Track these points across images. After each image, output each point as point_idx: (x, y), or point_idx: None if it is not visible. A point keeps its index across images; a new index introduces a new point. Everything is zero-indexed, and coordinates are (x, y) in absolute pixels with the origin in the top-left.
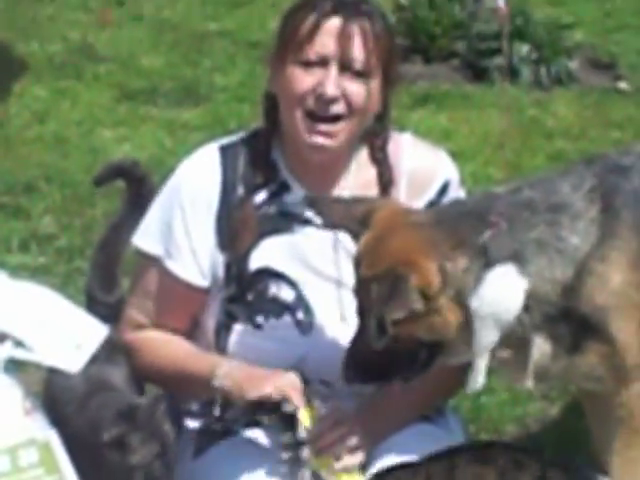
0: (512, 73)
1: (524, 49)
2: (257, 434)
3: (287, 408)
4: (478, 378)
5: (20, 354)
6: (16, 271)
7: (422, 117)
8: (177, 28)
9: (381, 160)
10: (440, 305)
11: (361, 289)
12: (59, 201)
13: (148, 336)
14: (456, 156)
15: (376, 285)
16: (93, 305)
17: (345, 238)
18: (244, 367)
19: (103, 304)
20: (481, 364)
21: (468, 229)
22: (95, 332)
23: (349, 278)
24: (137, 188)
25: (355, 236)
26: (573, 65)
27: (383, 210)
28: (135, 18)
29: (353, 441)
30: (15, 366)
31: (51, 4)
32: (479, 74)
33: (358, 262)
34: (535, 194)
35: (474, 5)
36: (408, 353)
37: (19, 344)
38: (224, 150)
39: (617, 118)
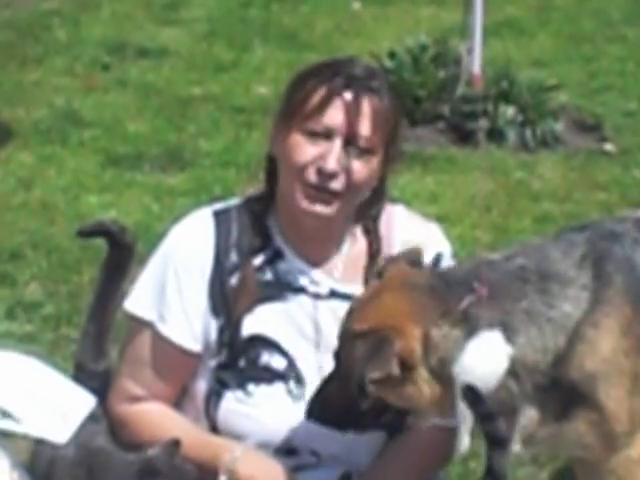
0: (497, 136)
1: (509, 111)
2: None
3: None
4: (463, 442)
5: (7, 425)
6: (2, 339)
7: (408, 181)
8: (162, 93)
9: (372, 231)
10: (417, 376)
11: (346, 340)
12: (45, 268)
13: (145, 410)
14: (442, 219)
15: (361, 342)
16: (81, 374)
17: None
18: (248, 462)
19: (91, 373)
20: (465, 429)
21: (457, 297)
22: (82, 402)
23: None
24: (119, 253)
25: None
26: (558, 127)
27: (392, 269)
28: (120, 83)
29: None
30: (2, 437)
31: (37, 69)
32: (464, 137)
33: (350, 312)
34: (527, 262)
35: (458, 68)
36: (375, 411)
37: (6, 415)
38: (218, 215)
39: (603, 180)
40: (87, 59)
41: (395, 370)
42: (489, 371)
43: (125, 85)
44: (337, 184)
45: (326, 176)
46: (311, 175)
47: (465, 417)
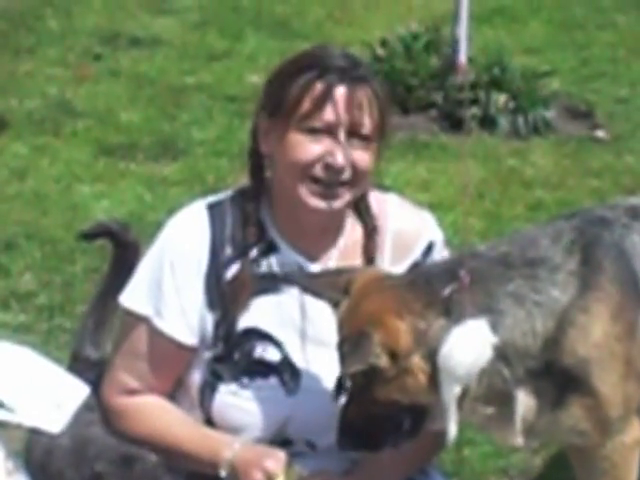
0: (489, 123)
1: (501, 99)
2: None
3: None
4: (450, 430)
5: (1, 415)
6: None
7: (401, 169)
8: (154, 82)
9: (364, 210)
10: (411, 365)
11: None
12: (39, 258)
13: (140, 403)
14: (435, 207)
15: (344, 345)
16: (77, 365)
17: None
18: (244, 454)
19: (87, 363)
20: (450, 416)
21: (440, 287)
22: (76, 391)
23: (330, 339)
24: (124, 252)
25: (335, 305)
26: (550, 114)
27: (362, 277)
28: (112, 73)
29: None
30: None
31: (29, 60)
32: (457, 124)
33: (339, 328)
34: (511, 249)
35: (450, 56)
36: (392, 419)
37: (0, 405)
38: (212, 209)
39: (595, 167)
40: (79, 49)
41: (382, 361)
42: (471, 360)
43: (118, 75)
44: (345, 175)
45: (335, 171)
46: (318, 171)
47: (448, 406)
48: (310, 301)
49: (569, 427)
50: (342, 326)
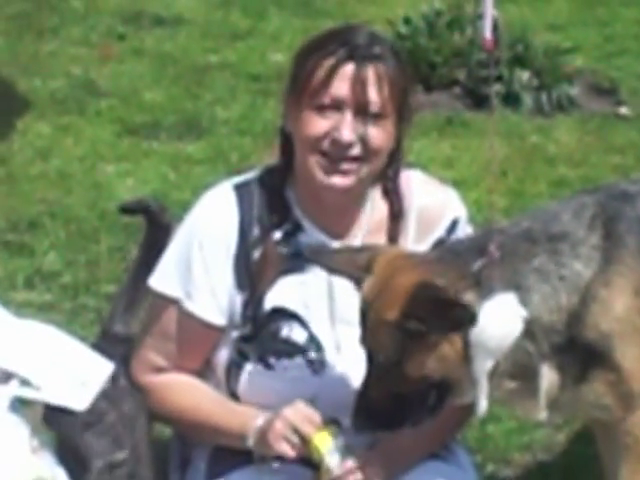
0: (513, 100)
1: (524, 76)
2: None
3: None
4: (481, 404)
5: (26, 393)
6: (21, 308)
7: (424, 146)
8: (178, 62)
9: (392, 191)
10: (445, 339)
11: (372, 334)
12: (63, 237)
13: (170, 380)
14: (459, 184)
15: (412, 322)
16: (104, 340)
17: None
18: (271, 421)
19: (116, 338)
20: (481, 391)
21: (469, 262)
22: (101, 369)
23: (357, 318)
24: (156, 232)
25: (357, 282)
26: (574, 91)
27: (385, 255)
28: (136, 52)
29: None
30: (21, 405)
31: (53, 40)
32: (480, 101)
33: (366, 307)
34: (535, 225)
35: (473, 33)
36: (417, 396)
37: (25, 383)
38: (239, 189)
39: (618, 144)
40: (103, 29)
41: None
42: (503, 333)
43: (141, 54)
44: (354, 151)
45: (342, 147)
46: (326, 146)
47: (480, 380)
48: (337, 280)
49: (592, 402)
50: (370, 303)
